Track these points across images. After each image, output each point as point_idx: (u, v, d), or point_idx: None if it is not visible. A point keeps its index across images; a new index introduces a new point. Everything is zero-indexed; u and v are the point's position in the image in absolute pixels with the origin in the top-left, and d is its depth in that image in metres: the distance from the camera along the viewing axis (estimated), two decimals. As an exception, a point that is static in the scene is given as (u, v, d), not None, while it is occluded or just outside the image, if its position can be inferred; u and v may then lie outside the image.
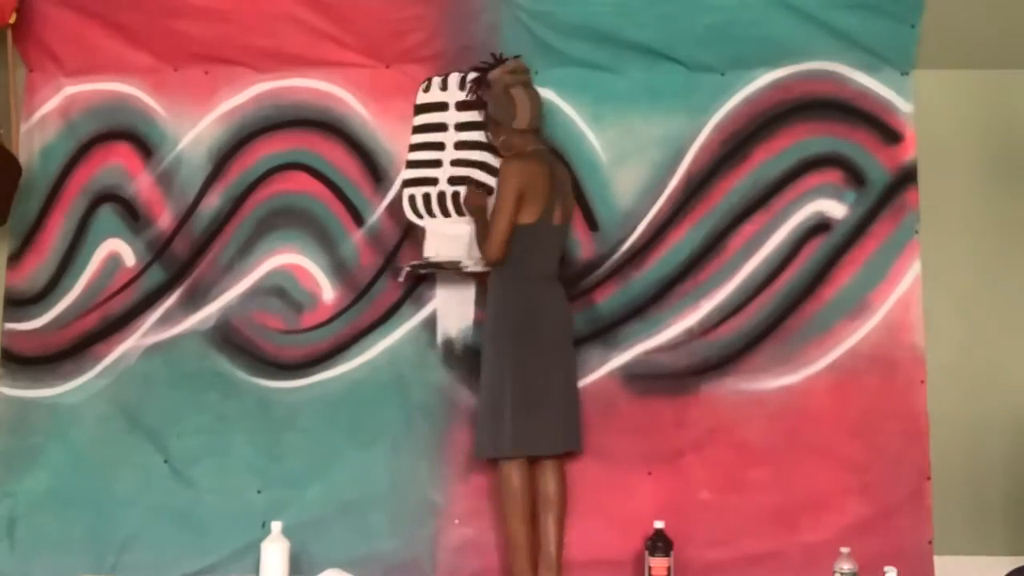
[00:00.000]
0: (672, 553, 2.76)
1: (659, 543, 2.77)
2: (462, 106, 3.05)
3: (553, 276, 2.89)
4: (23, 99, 3.17)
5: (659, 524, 2.78)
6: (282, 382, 3.05)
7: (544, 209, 2.83)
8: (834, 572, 2.65)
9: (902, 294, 2.97)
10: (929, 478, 2.89)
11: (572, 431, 2.87)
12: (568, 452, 2.87)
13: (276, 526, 2.85)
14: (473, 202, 2.96)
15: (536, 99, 2.91)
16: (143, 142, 3.15)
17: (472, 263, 2.95)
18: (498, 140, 2.94)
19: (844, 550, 2.66)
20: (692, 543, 2.85)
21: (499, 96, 2.90)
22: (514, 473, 2.77)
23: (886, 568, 2.43)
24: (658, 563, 2.75)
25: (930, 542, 2.86)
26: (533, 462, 2.81)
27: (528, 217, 2.83)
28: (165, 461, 3.02)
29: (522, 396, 2.76)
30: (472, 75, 2.98)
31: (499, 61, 2.96)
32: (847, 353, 2.96)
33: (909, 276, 2.98)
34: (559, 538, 2.78)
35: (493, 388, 2.81)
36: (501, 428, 2.77)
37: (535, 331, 2.80)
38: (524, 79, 2.92)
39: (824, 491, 2.90)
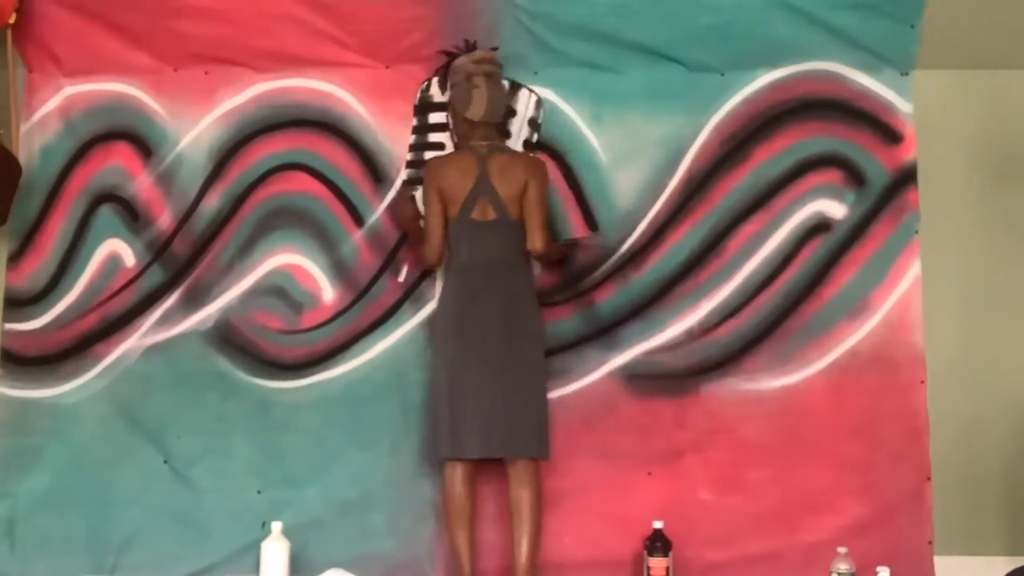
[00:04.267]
0: (671, 553, 2.95)
1: (658, 543, 2.96)
2: (452, 118, 3.23)
3: (496, 271, 3.01)
4: (23, 99, 3.36)
5: (658, 524, 2.97)
6: (282, 382, 3.23)
7: (463, 205, 3.00)
8: (831, 572, 2.83)
9: (902, 294, 3.16)
10: (929, 478, 3.08)
11: (520, 434, 2.93)
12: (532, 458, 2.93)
13: (276, 526, 3.03)
14: (402, 212, 3.17)
15: (497, 94, 3.06)
16: (143, 142, 3.34)
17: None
18: (455, 129, 3.13)
19: (841, 550, 2.84)
20: (692, 543, 3.02)
21: (459, 84, 3.06)
22: (450, 476, 2.94)
23: (879, 568, 2.62)
24: (657, 563, 2.95)
25: (930, 542, 3.04)
26: (505, 466, 2.95)
27: (451, 211, 3.03)
28: (165, 461, 3.20)
29: (451, 395, 2.93)
30: (442, 59, 3.16)
31: (470, 48, 3.15)
32: (847, 353, 3.15)
33: (909, 276, 3.17)
34: (531, 551, 2.88)
35: (430, 387, 3.04)
36: (437, 429, 2.97)
37: (466, 327, 2.95)
38: (488, 69, 3.05)
39: (824, 491, 3.09)
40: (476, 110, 3.05)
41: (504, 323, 2.96)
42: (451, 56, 3.16)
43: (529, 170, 3.06)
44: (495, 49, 3.17)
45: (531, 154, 3.21)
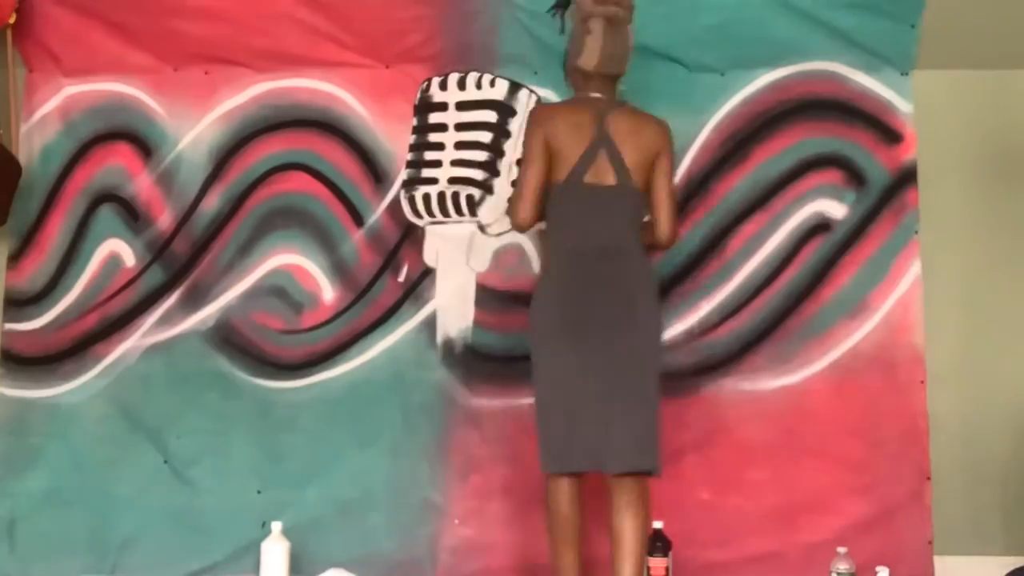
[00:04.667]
0: (670, 553, 2.97)
1: (657, 543, 2.97)
2: (462, 106, 3.27)
3: (612, 250, 2.64)
4: (23, 99, 3.38)
5: (657, 524, 2.99)
6: (282, 382, 3.25)
7: (574, 167, 2.61)
8: (831, 572, 2.85)
9: (902, 294, 3.18)
10: (929, 478, 3.10)
11: (634, 446, 2.58)
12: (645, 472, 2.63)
13: (276, 526, 3.04)
14: None
15: (617, 41, 2.68)
16: (143, 142, 3.37)
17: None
18: (567, 78, 2.80)
19: (841, 550, 2.86)
20: (692, 543, 3.02)
21: (575, 25, 2.72)
22: (554, 491, 2.64)
23: (878, 568, 2.64)
24: (656, 563, 2.94)
25: (930, 542, 3.06)
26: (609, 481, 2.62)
27: (558, 173, 2.63)
28: (165, 461, 3.22)
29: (549, 401, 2.62)
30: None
31: None
32: (847, 353, 3.17)
33: (909, 276, 3.19)
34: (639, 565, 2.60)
35: (535, 390, 2.66)
36: (541, 439, 2.65)
37: (573, 319, 2.60)
38: (611, 12, 2.65)
39: (824, 491, 3.11)
40: (588, 59, 2.64)
41: (620, 315, 2.60)
42: None
43: (662, 137, 2.68)
44: None
45: (659, 118, 2.80)
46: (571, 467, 2.63)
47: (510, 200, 2.77)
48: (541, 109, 2.77)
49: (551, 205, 2.70)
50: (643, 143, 2.69)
